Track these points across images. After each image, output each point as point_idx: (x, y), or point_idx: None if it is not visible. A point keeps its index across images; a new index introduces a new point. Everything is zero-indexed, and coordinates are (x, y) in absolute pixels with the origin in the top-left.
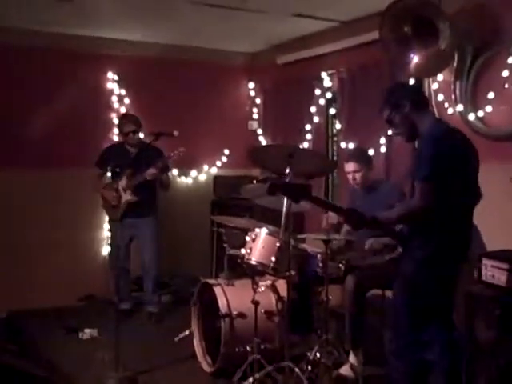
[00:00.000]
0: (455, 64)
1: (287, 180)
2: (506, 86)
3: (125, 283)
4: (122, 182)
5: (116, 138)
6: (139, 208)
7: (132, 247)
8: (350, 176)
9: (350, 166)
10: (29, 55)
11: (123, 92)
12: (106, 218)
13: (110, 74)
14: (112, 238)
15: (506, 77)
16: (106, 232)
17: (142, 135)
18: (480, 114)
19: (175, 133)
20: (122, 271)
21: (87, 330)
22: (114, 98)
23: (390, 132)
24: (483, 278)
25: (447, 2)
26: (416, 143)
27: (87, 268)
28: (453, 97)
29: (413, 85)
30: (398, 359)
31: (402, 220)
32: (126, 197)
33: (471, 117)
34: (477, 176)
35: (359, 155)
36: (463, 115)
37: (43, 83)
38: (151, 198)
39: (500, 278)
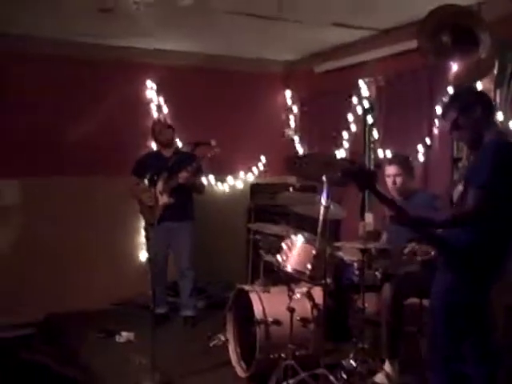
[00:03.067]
0: (495, 72)
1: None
2: None
3: (161, 288)
4: (159, 186)
5: (154, 146)
6: (176, 211)
7: (169, 251)
8: (389, 179)
9: (391, 169)
10: (71, 65)
11: (161, 100)
12: (143, 224)
13: (149, 83)
14: (149, 243)
15: None
16: (142, 237)
17: (179, 144)
18: None
19: (213, 142)
20: (160, 276)
21: (124, 334)
22: (153, 107)
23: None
24: None
25: (487, 10)
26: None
27: (124, 272)
28: None
29: (483, 91)
30: (435, 372)
31: (450, 222)
32: (163, 199)
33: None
34: None
35: (402, 160)
36: (503, 124)
37: (84, 93)
38: (187, 201)
39: None
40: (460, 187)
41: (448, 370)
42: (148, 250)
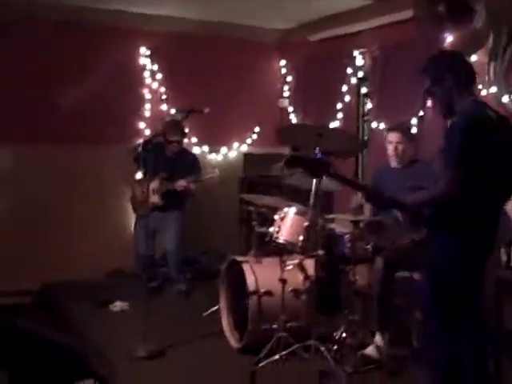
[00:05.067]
0: (490, 45)
1: (306, 155)
2: None
3: (151, 265)
4: (155, 184)
5: (147, 114)
6: (165, 207)
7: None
8: (391, 146)
9: (393, 136)
10: (62, 29)
11: (155, 67)
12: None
13: (143, 50)
14: (136, 228)
15: None
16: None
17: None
18: None
19: (206, 110)
20: (147, 259)
21: (118, 303)
22: (146, 74)
23: (428, 103)
24: None
25: None
26: (449, 122)
27: (117, 241)
28: (486, 78)
29: (460, 57)
30: (430, 348)
31: (427, 204)
32: (154, 199)
33: (505, 99)
34: None
35: (405, 127)
36: (497, 97)
37: (76, 57)
38: (178, 202)
39: None
40: None
41: (441, 350)
42: (135, 235)
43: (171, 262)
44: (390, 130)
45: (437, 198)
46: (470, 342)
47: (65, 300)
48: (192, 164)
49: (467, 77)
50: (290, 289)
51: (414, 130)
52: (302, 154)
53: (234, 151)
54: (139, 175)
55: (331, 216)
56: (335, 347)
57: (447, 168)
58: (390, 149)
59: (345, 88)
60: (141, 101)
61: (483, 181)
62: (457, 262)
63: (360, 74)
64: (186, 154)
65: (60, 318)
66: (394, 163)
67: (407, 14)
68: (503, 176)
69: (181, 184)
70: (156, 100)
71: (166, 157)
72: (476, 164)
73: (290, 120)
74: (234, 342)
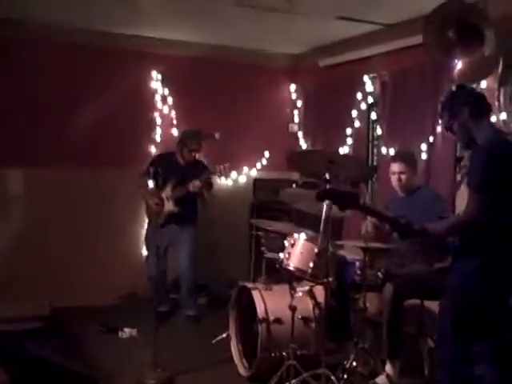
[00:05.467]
0: (500, 71)
1: (335, 187)
2: None
3: (162, 287)
4: (167, 191)
5: (158, 138)
6: (180, 218)
7: (169, 250)
8: (394, 177)
9: (396, 167)
10: (74, 53)
11: (166, 91)
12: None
13: (154, 74)
14: (149, 243)
15: None
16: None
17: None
18: None
19: (216, 135)
20: (159, 276)
21: (127, 330)
22: (158, 98)
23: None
24: None
25: (493, 7)
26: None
27: (128, 266)
28: (496, 104)
29: (473, 90)
30: (444, 374)
31: (451, 232)
32: (169, 207)
33: None
34: None
35: (407, 157)
36: (507, 123)
37: (88, 81)
38: (192, 210)
39: None
40: (463, 188)
41: (457, 373)
42: (147, 250)
43: (184, 282)
44: (391, 160)
45: (462, 223)
46: (493, 368)
47: (75, 325)
48: (202, 168)
49: (482, 108)
50: (299, 316)
51: (421, 156)
52: (332, 187)
53: (243, 176)
54: (152, 187)
55: (341, 242)
56: (345, 376)
57: (470, 193)
58: (394, 179)
59: (355, 113)
60: (152, 124)
61: (506, 205)
62: (481, 286)
63: (370, 100)
64: (196, 161)
65: (70, 343)
66: (399, 192)
67: (417, 39)
68: None
69: (195, 183)
70: (167, 124)
71: (178, 165)
72: (497, 189)
73: (299, 145)
74: (242, 369)
